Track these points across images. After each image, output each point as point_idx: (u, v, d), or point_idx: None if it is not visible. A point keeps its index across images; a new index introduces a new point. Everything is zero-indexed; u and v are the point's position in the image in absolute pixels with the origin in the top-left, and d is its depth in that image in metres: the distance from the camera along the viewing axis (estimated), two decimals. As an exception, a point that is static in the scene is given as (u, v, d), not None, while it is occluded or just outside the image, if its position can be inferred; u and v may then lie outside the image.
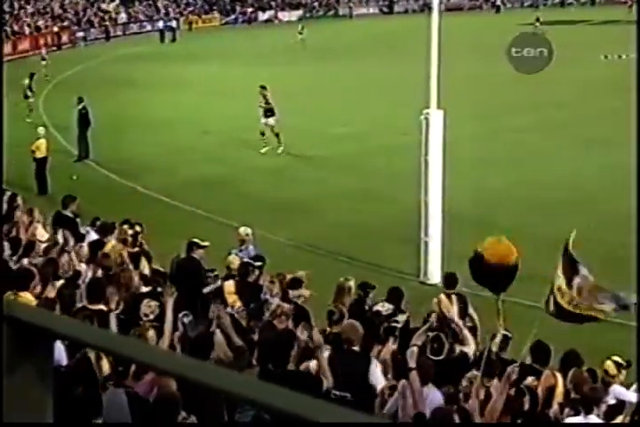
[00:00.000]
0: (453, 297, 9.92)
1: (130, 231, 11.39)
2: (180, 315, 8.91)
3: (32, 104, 29.15)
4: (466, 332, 8.19)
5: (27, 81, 29.28)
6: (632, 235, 16.02)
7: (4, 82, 21.58)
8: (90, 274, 9.66)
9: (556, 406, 7.57)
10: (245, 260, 10.61)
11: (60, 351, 6.55)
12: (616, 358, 8.69)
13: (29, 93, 29.03)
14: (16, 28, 53.78)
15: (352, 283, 9.55)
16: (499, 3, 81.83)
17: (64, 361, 6.69)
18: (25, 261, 9.92)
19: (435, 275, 14.17)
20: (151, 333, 7.47)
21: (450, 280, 10.32)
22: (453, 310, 8.91)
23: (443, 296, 9.38)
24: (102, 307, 8.41)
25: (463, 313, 9.59)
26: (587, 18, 66.07)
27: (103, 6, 65.45)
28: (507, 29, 54.70)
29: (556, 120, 27.15)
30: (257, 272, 10.20)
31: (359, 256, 15.21)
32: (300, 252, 15.40)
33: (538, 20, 56.44)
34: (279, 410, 1.47)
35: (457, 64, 31.80)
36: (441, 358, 7.88)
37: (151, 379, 6.34)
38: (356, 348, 7.71)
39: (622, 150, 22.55)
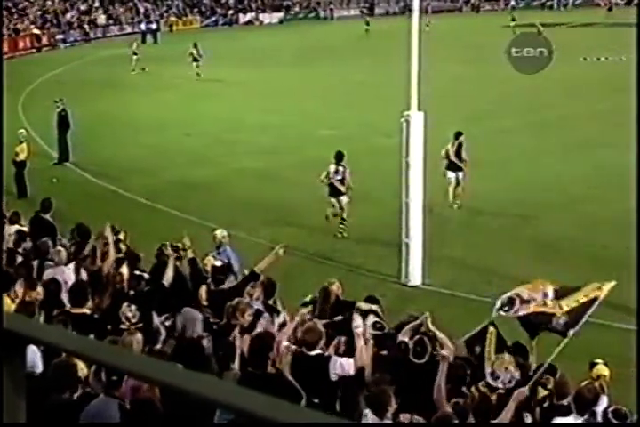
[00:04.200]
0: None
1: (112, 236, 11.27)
2: (162, 318, 8.88)
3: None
4: (442, 336, 8.20)
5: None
6: (615, 236, 16.12)
7: (4, 82, 21.46)
8: (72, 278, 9.61)
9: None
10: (219, 263, 10.57)
11: (35, 357, 6.49)
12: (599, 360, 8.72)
13: None
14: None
15: (335, 287, 9.52)
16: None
17: (39, 367, 6.63)
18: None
19: (415, 276, 14.19)
20: (138, 336, 7.44)
21: None
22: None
23: None
24: (85, 311, 8.37)
25: None
26: (566, 20, 66.35)
27: (83, 8, 65.21)
28: (488, 31, 55.24)
29: (540, 122, 27.25)
30: (232, 276, 10.18)
31: (340, 257, 15.21)
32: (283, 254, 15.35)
33: (513, 19, 56.82)
34: (239, 409, 1.46)
35: (440, 65, 31.94)
36: (423, 361, 7.89)
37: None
38: (318, 351, 7.68)
39: (606, 152, 22.71)
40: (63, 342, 1.79)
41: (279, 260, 9.93)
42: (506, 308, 8.52)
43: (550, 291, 8.59)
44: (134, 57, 42.50)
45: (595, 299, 8.38)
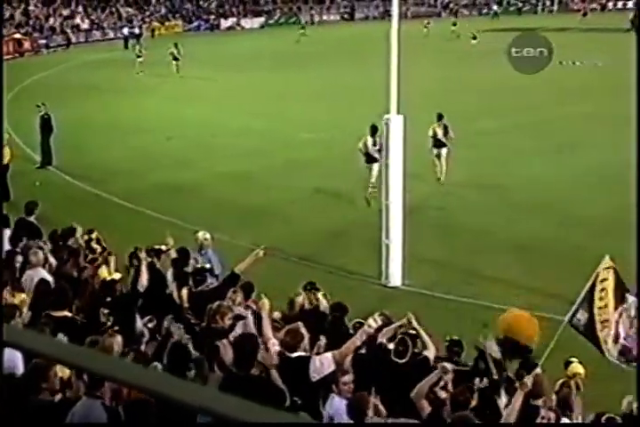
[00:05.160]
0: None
1: (93, 240, 11.20)
2: (145, 320, 8.81)
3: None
4: (426, 337, 8.18)
5: None
6: (592, 237, 16.19)
7: (4, 82, 21.28)
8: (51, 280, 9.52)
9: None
10: (199, 266, 10.52)
11: (16, 358, 6.41)
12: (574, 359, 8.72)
13: None
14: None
15: (301, 298, 9.49)
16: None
17: (20, 368, 6.55)
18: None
19: (396, 277, 14.18)
20: (118, 338, 7.38)
21: None
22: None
23: None
24: (67, 313, 8.31)
25: None
26: (542, 25, 66.66)
27: (65, 13, 64.96)
28: (465, 35, 55.45)
29: (520, 124, 27.35)
30: (214, 278, 10.13)
31: (322, 259, 15.18)
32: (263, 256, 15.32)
33: (454, 24, 57.58)
34: (207, 410, 1.43)
35: (421, 69, 32.01)
36: (403, 361, 7.86)
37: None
38: (301, 353, 7.63)
39: (586, 154, 22.84)
40: (40, 346, 1.75)
41: (259, 261, 9.89)
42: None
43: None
44: (138, 59, 43.24)
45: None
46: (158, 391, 1.47)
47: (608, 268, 8.64)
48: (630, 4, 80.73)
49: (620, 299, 8.73)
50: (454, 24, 58.11)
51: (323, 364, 7.44)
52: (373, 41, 28.25)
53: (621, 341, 8.59)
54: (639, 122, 17.09)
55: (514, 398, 7.00)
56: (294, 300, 9.44)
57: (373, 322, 7.47)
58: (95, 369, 1.62)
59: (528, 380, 7.15)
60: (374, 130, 18.36)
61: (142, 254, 9.63)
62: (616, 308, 8.67)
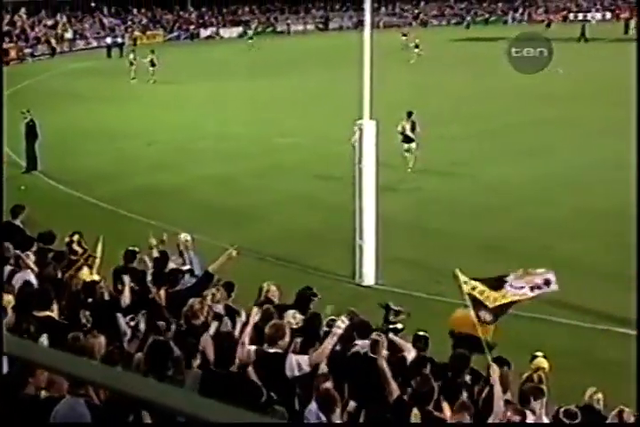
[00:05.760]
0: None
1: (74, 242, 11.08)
2: (127, 319, 8.75)
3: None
4: (401, 340, 8.20)
5: None
6: (557, 237, 16.29)
7: (4, 83, 21.06)
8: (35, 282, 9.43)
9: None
10: (177, 266, 10.46)
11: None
12: (539, 353, 8.75)
13: None
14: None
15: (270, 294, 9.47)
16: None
17: (5, 367, 6.47)
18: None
19: (369, 277, 14.20)
20: (101, 339, 7.31)
21: None
22: None
23: None
24: (49, 313, 8.23)
25: None
26: (507, 35, 67.00)
27: (50, 23, 64.55)
28: (435, 44, 55.59)
29: (483, 129, 27.44)
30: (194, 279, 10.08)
31: (298, 260, 15.15)
32: (241, 256, 15.27)
33: (404, 35, 57.57)
34: (171, 409, 1.41)
35: (391, 76, 32.04)
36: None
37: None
38: (277, 349, 7.60)
39: (548, 158, 22.95)
40: (19, 350, 1.72)
41: (232, 260, 9.85)
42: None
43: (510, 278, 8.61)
44: (132, 67, 43.14)
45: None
46: (128, 392, 1.44)
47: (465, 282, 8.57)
48: (588, 16, 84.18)
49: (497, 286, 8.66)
50: (404, 35, 57.79)
51: (299, 363, 7.43)
52: (346, 49, 28.29)
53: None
54: (639, 125, 17.04)
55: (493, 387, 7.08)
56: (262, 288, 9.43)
57: (342, 323, 7.46)
58: (66, 371, 1.59)
59: (495, 372, 7.19)
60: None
61: (126, 278, 9.46)
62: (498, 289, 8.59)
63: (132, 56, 44.29)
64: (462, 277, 8.40)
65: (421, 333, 8.55)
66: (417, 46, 50.40)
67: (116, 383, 1.51)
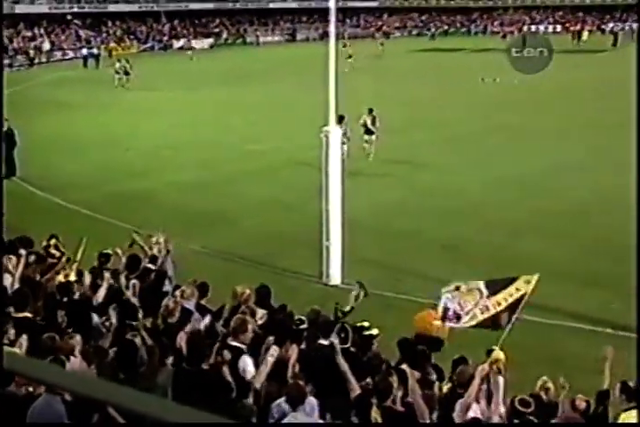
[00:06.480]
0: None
1: (51, 246, 10.95)
2: (103, 319, 8.66)
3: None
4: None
5: None
6: (512, 237, 16.39)
7: (4, 83, 20.73)
8: (15, 284, 9.31)
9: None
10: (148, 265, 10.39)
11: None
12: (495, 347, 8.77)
13: None
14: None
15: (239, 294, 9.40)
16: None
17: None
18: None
19: (336, 277, 14.19)
20: (77, 338, 7.24)
21: None
22: None
23: None
24: (27, 315, 8.13)
25: None
26: (466, 46, 67.62)
27: (28, 35, 63.96)
28: (397, 54, 55.90)
29: (446, 136, 27.56)
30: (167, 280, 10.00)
31: (267, 261, 15.09)
32: (213, 258, 15.23)
33: (344, 46, 57.24)
34: (128, 409, 1.38)
35: (358, 85, 32.10)
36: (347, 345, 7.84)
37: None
38: (239, 344, 7.54)
39: (507, 164, 23.09)
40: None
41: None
42: (454, 320, 8.48)
43: (482, 286, 8.56)
44: (117, 75, 43.78)
45: (524, 294, 8.43)
46: (86, 394, 1.41)
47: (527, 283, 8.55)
48: (540, 28, 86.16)
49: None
50: (344, 46, 57.04)
51: (245, 368, 7.36)
52: (313, 59, 28.30)
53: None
54: (639, 127, 17.04)
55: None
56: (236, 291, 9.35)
57: (275, 351, 7.35)
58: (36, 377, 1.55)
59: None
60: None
61: (107, 275, 9.36)
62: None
63: (117, 65, 44.69)
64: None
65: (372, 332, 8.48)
66: (350, 56, 49.95)
67: (82, 389, 1.47)
